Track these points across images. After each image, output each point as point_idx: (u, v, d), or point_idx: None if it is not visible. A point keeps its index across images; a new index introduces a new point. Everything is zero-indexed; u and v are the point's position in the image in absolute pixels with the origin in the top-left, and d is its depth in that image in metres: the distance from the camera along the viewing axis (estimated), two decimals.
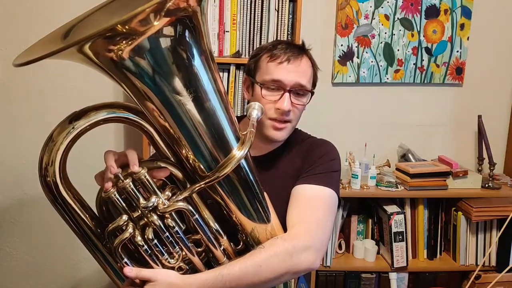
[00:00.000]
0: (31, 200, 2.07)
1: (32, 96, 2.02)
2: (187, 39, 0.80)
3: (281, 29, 1.85)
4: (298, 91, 1.15)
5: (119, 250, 0.90)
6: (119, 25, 0.69)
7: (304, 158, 1.20)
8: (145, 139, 1.79)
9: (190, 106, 0.85)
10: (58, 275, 2.18)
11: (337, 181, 1.18)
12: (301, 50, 1.19)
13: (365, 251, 2.08)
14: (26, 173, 2.02)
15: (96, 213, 0.96)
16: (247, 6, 1.84)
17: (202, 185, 0.89)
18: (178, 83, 0.82)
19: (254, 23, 1.86)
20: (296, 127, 1.27)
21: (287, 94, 1.12)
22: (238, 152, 0.90)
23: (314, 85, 1.24)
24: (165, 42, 0.77)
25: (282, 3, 1.84)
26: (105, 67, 0.78)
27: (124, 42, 0.73)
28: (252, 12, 1.85)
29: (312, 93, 1.21)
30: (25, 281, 2.16)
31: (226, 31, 1.85)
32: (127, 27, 0.70)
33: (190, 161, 0.91)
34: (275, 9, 1.84)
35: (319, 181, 1.12)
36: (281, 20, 1.85)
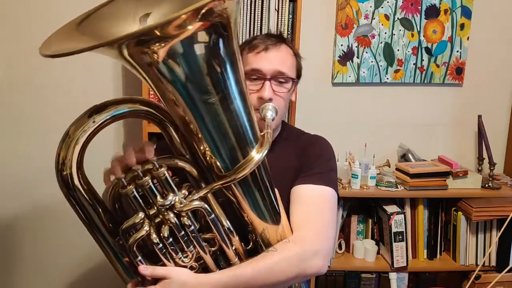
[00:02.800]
0: (32, 200, 2.07)
1: (33, 96, 2.02)
2: (220, 42, 0.80)
3: (281, 29, 1.85)
4: (279, 79, 1.14)
5: (134, 248, 0.90)
6: (163, 25, 0.69)
7: (300, 155, 1.19)
8: (144, 138, 1.79)
9: (216, 105, 0.84)
10: (58, 275, 2.18)
11: (335, 179, 1.18)
12: (280, 39, 1.18)
13: (365, 251, 2.08)
14: (27, 173, 2.02)
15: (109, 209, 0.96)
16: (247, 6, 1.84)
17: (219, 185, 0.89)
18: (206, 84, 0.82)
19: (254, 23, 1.86)
20: (291, 125, 1.26)
21: (267, 83, 1.12)
22: (256, 155, 0.90)
23: (298, 74, 1.22)
24: (198, 46, 0.77)
25: (282, 3, 1.84)
26: (136, 64, 0.78)
27: (159, 43, 0.73)
28: (252, 12, 1.85)
29: (295, 82, 1.20)
30: (25, 281, 2.16)
31: None
32: (167, 28, 0.70)
33: (207, 158, 0.90)
34: (275, 9, 1.84)
35: (320, 181, 1.12)
36: (281, 20, 1.85)
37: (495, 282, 2.00)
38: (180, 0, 0.85)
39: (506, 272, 2.01)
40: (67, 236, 2.07)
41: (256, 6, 1.84)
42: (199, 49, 0.78)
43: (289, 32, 1.86)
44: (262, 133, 0.93)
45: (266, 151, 0.90)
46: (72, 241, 2.06)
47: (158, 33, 0.70)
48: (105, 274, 2.11)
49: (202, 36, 0.76)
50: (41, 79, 1.99)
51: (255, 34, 1.86)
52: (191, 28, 0.73)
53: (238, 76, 0.86)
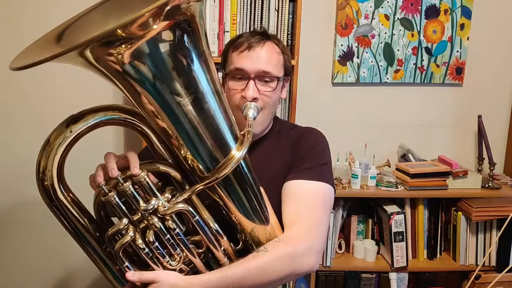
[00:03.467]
0: (29, 201, 2.07)
1: (30, 97, 2.02)
2: (186, 41, 0.80)
3: (281, 29, 1.85)
4: (263, 78, 1.12)
5: (120, 254, 0.90)
6: (121, 28, 0.69)
7: (292, 149, 1.17)
8: (144, 142, 1.78)
9: (190, 107, 0.85)
10: (56, 276, 2.18)
11: (329, 172, 1.16)
12: (264, 36, 1.16)
13: (365, 251, 2.08)
14: (24, 174, 2.00)
15: (94, 217, 0.96)
16: (247, 6, 1.84)
17: (202, 186, 0.89)
18: (177, 85, 0.82)
19: (254, 23, 1.86)
20: (284, 120, 1.24)
21: (251, 82, 1.10)
22: (237, 153, 0.90)
23: (286, 71, 1.19)
24: (164, 45, 0.77)
25: (282, 3, 1.84)
26: (104, 70, 0.78)
27: (124, 45, 0.73)
28: (252, 12, 1.85)
29: (283, 80, 1.17)
30: (24, 282, 2.16)
31: (226, 31, 1.85)
32: (129, 29, 0.70)
33: (189, 162, 0.91)
34: (275, 9, 1.84)
35: (311, 176, 1.10)
36: (281, 20, 1.85)
37: (495, 282, 2.00)
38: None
39: (506, 272, 2.01)
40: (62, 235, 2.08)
41: (256, 6, 1.84)
42: (165, 49, 0.78)
43: (289, 32, 1.86)
44: (243, 132, 0.93)
45: (246, 149, 0.90)
46: (65, 242, 2.06)
47: (121, 35, 0.70)
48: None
49: (168, 35, 0.76)
50: (40, 80, 2.00)
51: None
52: (155, 27, 0.72)
53: (210, 75, 0.86)
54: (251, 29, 1.83)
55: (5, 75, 1.97)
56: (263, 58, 1.12)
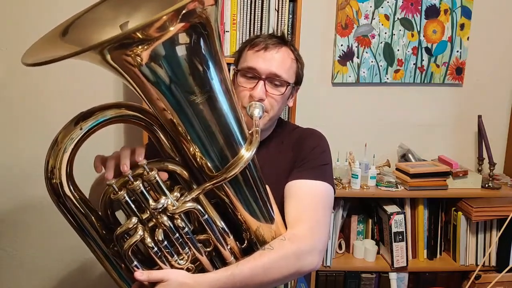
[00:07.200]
0: (32, 200, 2.07)
1: (32, 97, 2.02)
2: (201, 43, 0.80)
3: (281, 29, 1.85)
4: (273, 81, 1.13)
5: (129, 253, 0.89)
6: (141, 29, 0.69)
7: (295, 149, 1.19)
8: (145, 139, 1.79)
9: (202, 106, 0.85)
10: (58, 276, 2.18)
11: (330, 172, 1.18)
12: (281, 41, 1.18)
13: (365, 251, 2.08)
14: (26, 174, 2.02)
15: (100, 214, 0.95)
16: (247, 6, 1.84)
17: (211, 186, 0.89)
18: (191, 84, 0.82)
19: (254, 23, 1.86)
20: (287, 121, 1.26)
21: (261, 82, 1.11)
22: (246, 153, 0.90)
23: (297, 79, 1.21)
24: (179, 46, 0.77)
25: (282, 3, 1.84)
26: (119, 68, 0.78)
27: (141, 45, 0.73)
28: (252, 12, 1.85)
29: (292, 87, 1.19)
30: (25, 282, 2.16)
31: (226, 31, 1.85)
32: (146, 31, 0.70)
33: (198, 160, 0.91)
34: (275, 9, 1.84)
35: (313, 176, 1.12)
36: (281, 20, 1.85)
37: (495, 282, 2.00)
38: (159, 5, 0.85)
39: (506, 272, 2.01)
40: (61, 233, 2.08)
41: (256, 6, 1.84)
42: (181, 50, 0.78)
43: (289, 32, 1.86)
44: (251, 131, 0.94)
45: (255, 149, 0.90)
46: (67, 242, 2.06)
47: (139, 36, 0.71)
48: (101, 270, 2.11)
49: (183, 37, 0.77)
50: (41, 80, 1.99)
51: (255, 34, 1.87)
52: (172, 29, 0.73)
53: (222, 75, 0.87)
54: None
55: (8, 74, 1.97)
56: (276, 61, 1.13)
